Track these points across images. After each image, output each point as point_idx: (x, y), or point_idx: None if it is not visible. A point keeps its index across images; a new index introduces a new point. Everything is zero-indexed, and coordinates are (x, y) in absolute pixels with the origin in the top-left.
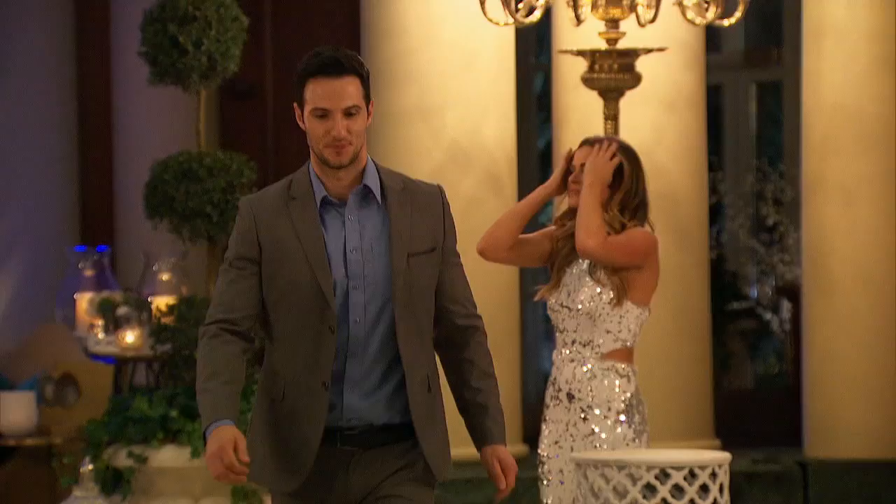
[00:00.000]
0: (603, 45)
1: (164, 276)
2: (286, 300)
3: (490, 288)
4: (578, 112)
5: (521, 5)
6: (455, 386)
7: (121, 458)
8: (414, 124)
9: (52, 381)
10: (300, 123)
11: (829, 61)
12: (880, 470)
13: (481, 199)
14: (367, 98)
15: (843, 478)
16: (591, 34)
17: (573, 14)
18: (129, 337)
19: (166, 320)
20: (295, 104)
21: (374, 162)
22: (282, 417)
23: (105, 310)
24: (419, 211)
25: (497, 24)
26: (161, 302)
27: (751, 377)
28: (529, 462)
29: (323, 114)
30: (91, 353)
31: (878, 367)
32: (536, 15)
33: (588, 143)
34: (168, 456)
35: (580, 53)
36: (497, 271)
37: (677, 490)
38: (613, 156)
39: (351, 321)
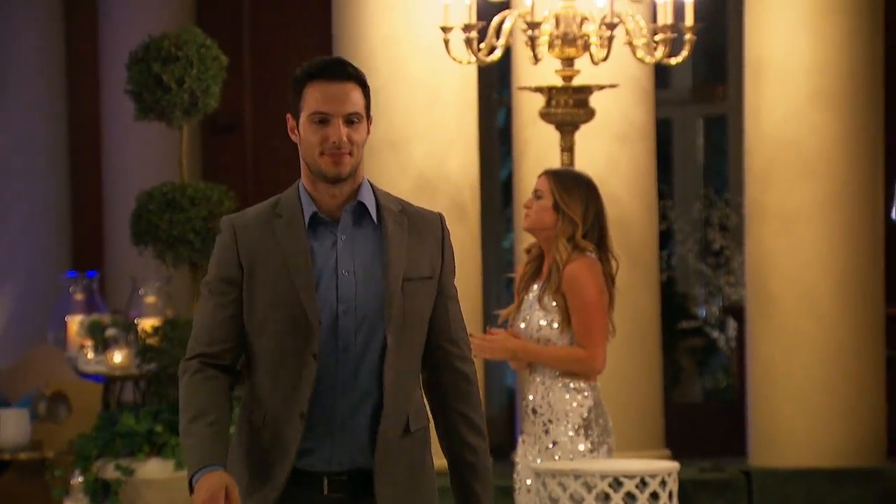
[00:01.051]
0: (559, 82)
1: (150, 300)
2: (268, 324)
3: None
4: (537, 144)
5: (482, 45)
6: (443, 437)
7: (109, 471)
8: (383, 156)
9: (45, 399)
10: (292, 135)
11: (769, 96)
12: (819, 477)
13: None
14: (368, 111)
15: (784, 485)
16: (548, 72)
17: (531, 53)
18: (117, 357)
19: (151, 341)
20: (288, 114)
21: (370, 182)
22: (259, 445)
23: (94, 331)
24: (417, 235)
25: (460, 62)
26: (147, 324)
27: (699, 391)
28: (495, 472)
29: (322, 118)
30: (81, 372)
31: (816, 381)
32: (497, 54)
33: (547, 173)
34: (153, 468)
35: (538, 90)
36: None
37: (630, 497)
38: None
39: (339, 349)
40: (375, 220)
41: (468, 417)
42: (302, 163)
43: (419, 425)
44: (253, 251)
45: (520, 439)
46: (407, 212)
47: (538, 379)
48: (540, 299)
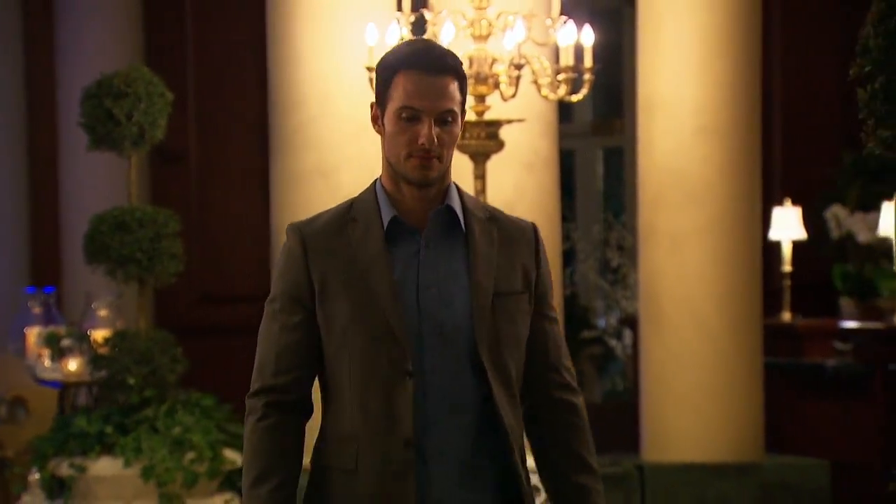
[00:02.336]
0: (473, 117)
1: (102, 313)
2: (347, 345)
3: None
4: (453, 172)
5: None
6: (548, 477)
7: (63, 468)
8: (315, 183)
9: (6, 403)
10: (374, 125)
11: (659, 130)
12: (703, 470)
13: None
14: (464, 106)
15: (672, 477)
16: None
17: None
18: (72, 365)
19: (103, 351)
20: (372, 103)
21: (456, 185)
22: (355, 493)
23: (51, 342)
24: (508, 245)
25: None
26: (99, 335)
27: (599, 394)
28: None
29: (412, 116)
30: (39, 378)
31: (701, 384)
32: None
33: None
34: (104, 466)
35: None
36: None
37: (535, 490)
38: None
39: (427, 372)
40: (463, 228)
41: (578, 455)
42: (383, 160)
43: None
44: (326, 262)
45: None
46: (496, 219)
47: None
48: None
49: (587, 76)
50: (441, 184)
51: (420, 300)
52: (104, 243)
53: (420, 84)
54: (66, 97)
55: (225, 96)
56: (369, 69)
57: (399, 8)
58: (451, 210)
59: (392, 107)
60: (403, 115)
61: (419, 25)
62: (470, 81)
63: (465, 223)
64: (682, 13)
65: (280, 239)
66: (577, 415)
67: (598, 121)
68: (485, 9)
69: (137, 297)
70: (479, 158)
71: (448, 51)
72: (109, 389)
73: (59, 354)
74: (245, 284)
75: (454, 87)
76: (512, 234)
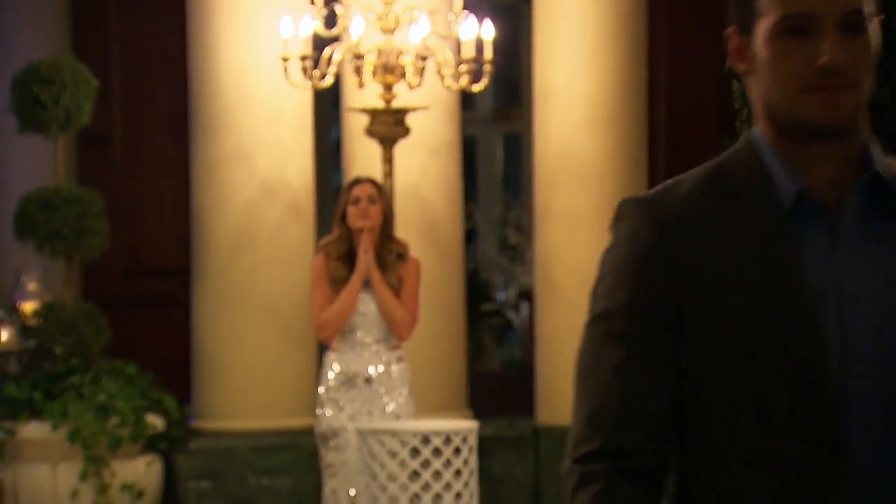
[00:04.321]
0: (381, 105)
1: (31, 287)
2: (731, 391)
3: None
4: (363, 156)
5: (316, 72)
6: None
7: None
8: (232, 166)
9: None
10: (735, 62)
11: (554, 117)
12: None
13: (286, 226)
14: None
15: (564, 438)
16: (371, 95)
17: (357, 79)
18: (2, 335)
19: (31, 322)
20: (730, 30)
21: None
22: None
23: None
24: None
25: (298, 86)
26: (28, 307)
27: (498, 362)
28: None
29: (802, 28)
30: None
31: None
32: (329, 80)
33: (358, 181)
34: (32, 430)
35: (363, 110)
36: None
37: (436, 452)
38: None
39: (853, 433)
40: None
41: None
42: (760, 107)
43: None
44: (697, 260)
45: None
46: None
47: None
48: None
49: (487, 67)
50: (856, 136)
51: (843, 320)
52: (32, 221)
53: None
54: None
55: (148, 84)
56: (284, 59)
57: (312, 2)
58: (879, 180)
59: (766, 22)
60: (787, 28)
61: (331, 19)
62: (378, 71)
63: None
64: (574, 9)
65: (202, 218)
66: None
67: (498, 109)
68: (392, 3)
69: (64, 271)
70: (388, 143)
71: None
72: (38, 358)
73: None
74: (167, 259)
75: None
76: None
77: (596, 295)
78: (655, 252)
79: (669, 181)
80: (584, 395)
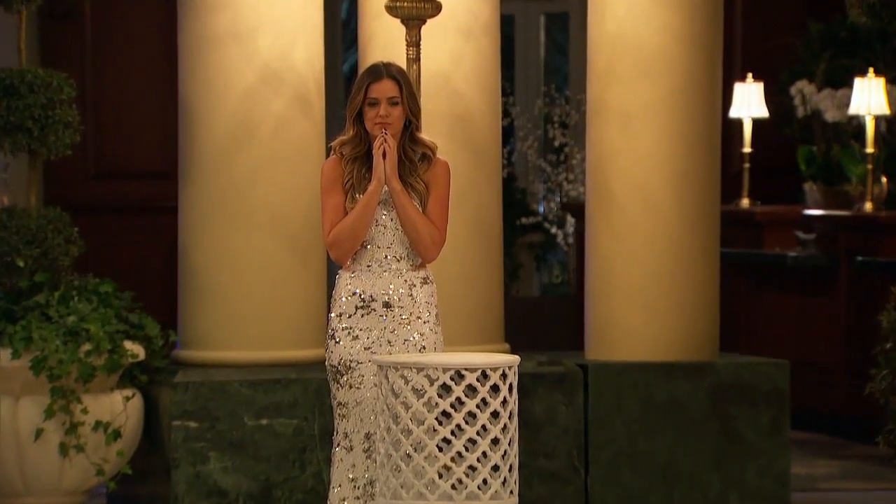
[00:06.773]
0: None
1: None
2: None
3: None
4: (382, 38)
5: None
6: None
7: None
8: (227, 48)
9: None
10: None
11: None
12: (652, 370)
13: (291, 119)
14: None
15: (618, 377)
16: None
17: None
18: None
19: None
20: None
21: None
22: None
23: None
24: None
25: None
26: None
27: (537, 286)
28: None
29: None
30: None
31: (651, 277)
32: None
33: (377, 74)
34: None
35: None
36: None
37: (471, 390)
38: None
39: None
40: None
41: None
42: None
43: None
44: None
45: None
46: None
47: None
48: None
49: None
50: None
51: None
52: None
53: None
54: None
55: None
56: None
57: None
58: None
59: None
60: None
61: None
62: None
63: None
64: None
65: (191, 110)
66: None
67: None
68: None
69: (28, 170)
70: (413, 23)
71: None
72: None
73: None
74: (148, 159)
75: None
76: None
77: None
78: None
79: None
80: None
